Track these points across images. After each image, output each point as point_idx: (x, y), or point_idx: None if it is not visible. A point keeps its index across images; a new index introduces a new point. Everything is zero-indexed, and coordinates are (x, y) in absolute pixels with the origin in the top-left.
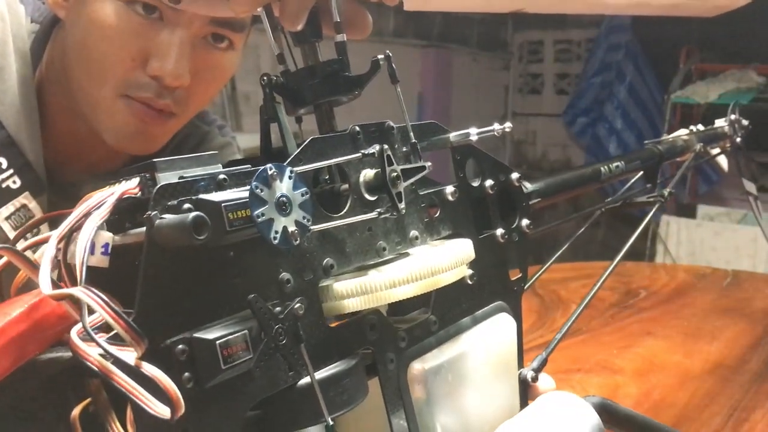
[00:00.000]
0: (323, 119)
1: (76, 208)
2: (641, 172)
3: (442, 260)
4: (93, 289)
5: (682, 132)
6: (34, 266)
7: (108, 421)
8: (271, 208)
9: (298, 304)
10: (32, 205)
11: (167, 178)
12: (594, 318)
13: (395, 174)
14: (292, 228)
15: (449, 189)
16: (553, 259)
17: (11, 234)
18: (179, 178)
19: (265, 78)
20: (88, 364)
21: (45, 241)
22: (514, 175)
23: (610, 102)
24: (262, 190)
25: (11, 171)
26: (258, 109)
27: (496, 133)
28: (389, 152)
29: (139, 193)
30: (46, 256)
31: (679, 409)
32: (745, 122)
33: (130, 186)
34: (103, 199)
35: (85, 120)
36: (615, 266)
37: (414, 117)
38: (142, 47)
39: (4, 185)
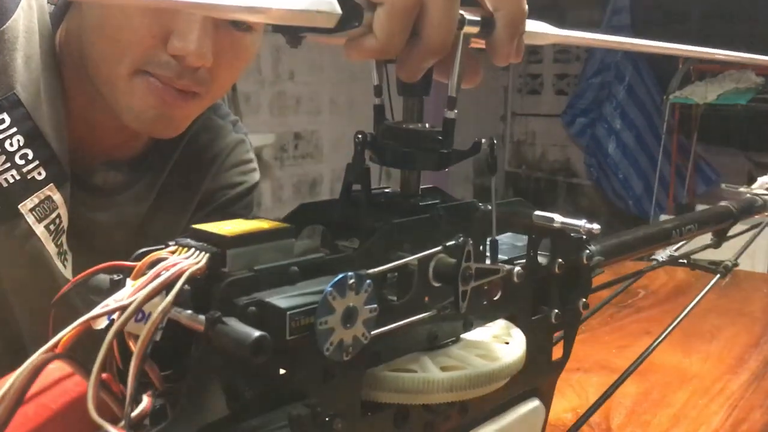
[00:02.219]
0: (408, 182)
1: (134, 287)
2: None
3: (499, 371)
4: None
5: (762, 180)
6: (88, 373)
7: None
8: (336, 318)
9: (338, 419)
10: (56, 196)
11: (237, 257)
12: (593, 317)
13: (470, 273)
14: (348, 342)
15: (517, 270)
16: (598, 306)
17: (36, 226)
18: (249, 271)
19: (359, 136)
20: None
21: (113, 312)
22: (586, 253)
23: (609, 102)
24: (334, 298)
25: (37, 162)
26: (258, 109)
27: (581, 231)
28: (471, 247)
29: (207, 271)
30: (93, 378)
31: (677, 408)
32: None
33: (198, 266)
34: (168, 279)
35: (102, 104)
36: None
37: None
38: (162, 25)
39: (29, 176)
